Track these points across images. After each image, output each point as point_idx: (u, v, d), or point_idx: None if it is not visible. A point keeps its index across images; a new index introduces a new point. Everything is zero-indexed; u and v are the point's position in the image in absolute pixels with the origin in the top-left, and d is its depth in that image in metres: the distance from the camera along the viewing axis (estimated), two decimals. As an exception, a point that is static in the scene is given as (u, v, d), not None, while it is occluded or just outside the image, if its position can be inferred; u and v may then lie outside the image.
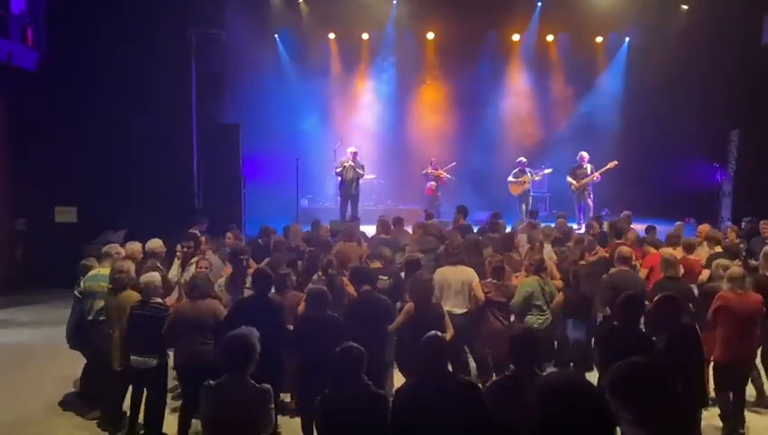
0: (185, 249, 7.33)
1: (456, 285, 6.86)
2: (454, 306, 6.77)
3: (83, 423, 6.52)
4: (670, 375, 2.50)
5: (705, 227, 9.42)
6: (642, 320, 5.64)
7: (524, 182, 15.24)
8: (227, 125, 13.88)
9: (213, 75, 13.60)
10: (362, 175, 14.50)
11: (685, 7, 16.00)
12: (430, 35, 17.17)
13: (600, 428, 2.27)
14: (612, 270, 7.33)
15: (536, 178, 15.45)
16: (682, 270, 7.20)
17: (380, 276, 6.94)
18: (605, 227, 10.31)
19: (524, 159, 15.43)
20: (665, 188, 15.79)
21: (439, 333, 4.39)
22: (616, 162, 14.51)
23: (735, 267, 6.56)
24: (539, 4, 16.84)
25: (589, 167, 14.64)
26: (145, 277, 6.14)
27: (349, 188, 14.33)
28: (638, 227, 10.55)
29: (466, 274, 6.95)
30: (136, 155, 12.14)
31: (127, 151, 12.11)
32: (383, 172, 16.66)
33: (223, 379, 4.26)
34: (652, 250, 8.10)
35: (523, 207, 15.06)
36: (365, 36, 17.25)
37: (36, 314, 10.49)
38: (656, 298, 5.56)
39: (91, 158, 12.10)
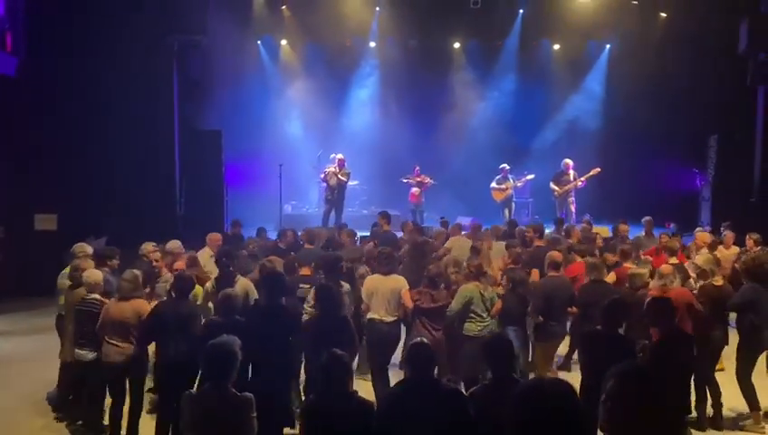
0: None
1: (385, 292, 6.68)
2: (383, 314, 6.65)
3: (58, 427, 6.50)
4: (660, 380, 2.53)
5: (704, 236, 9.39)
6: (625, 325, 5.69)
7: (507, 188, 15.34)
8: (210, 131, 13.81)
9: (195, 81, 13.52)
10: (346, 182, 14.48)
11: (663, 15, 16.22)
12: (412, 42, 17.22)
13: (578, 431, 2.28)
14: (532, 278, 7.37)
15: (518, 185, 15.56)
16: (609, 275, 7.33)
17: (301, 284, 6.85)
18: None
19: (507, 166, 15.54)
20: (645, 194, 15.91)
21: (425, 340, 4.37)
22: (599, 169, 14.64)
23: (665, 265, 6.79)
24: (521, 11, 16.96)
25: (572, 174, 14.79)
26: (85, 274, 6.32)
27: (332, 194, 14.32)
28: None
29: (396, 282, 6.76)
30: (117, 161, 12.02)
31: (108, 158, 11.98)
32: (366, 178, 16.66)
33: (204, 387, 4.21)
34: (578, 258, 8.05)
35: (506, 212, 15.16)
36: (347, 43, 17.26)
37: (14, 324, 10.29)
38: (647, 301, 5.63)
39: (71, 164, 11.95)
